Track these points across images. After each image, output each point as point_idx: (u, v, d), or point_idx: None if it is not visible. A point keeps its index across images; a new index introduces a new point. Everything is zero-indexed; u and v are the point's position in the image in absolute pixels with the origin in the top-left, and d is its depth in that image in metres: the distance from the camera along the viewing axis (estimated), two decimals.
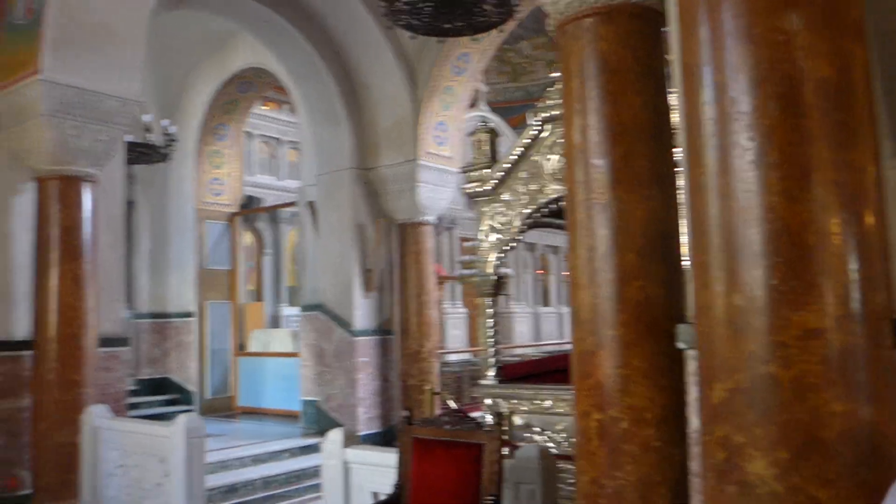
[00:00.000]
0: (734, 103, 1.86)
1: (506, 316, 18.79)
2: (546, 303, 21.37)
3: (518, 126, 20.39)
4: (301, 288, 10.00)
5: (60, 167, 6.03)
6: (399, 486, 3.37)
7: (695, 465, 2.84)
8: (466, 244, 15.24)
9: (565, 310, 21.59)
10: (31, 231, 6.25)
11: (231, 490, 7.27)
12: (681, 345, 2.76)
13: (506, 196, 5.03)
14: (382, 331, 9.40)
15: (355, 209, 9.25)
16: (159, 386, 10.91)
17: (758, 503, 1.86)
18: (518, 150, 4.91)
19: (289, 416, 10.40)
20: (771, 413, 1.81)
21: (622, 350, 3.10)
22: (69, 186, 6.08)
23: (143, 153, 9.04)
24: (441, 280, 12.20)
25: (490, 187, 5.07)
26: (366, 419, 9.05)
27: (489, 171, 5.10)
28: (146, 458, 5.27)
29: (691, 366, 2.81)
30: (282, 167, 15.47)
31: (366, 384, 9.13)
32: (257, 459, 8.24)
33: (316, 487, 7.95)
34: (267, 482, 7.75)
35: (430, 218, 9.59)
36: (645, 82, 3.17)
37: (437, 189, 9.50)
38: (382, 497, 3.94)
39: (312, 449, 8.79)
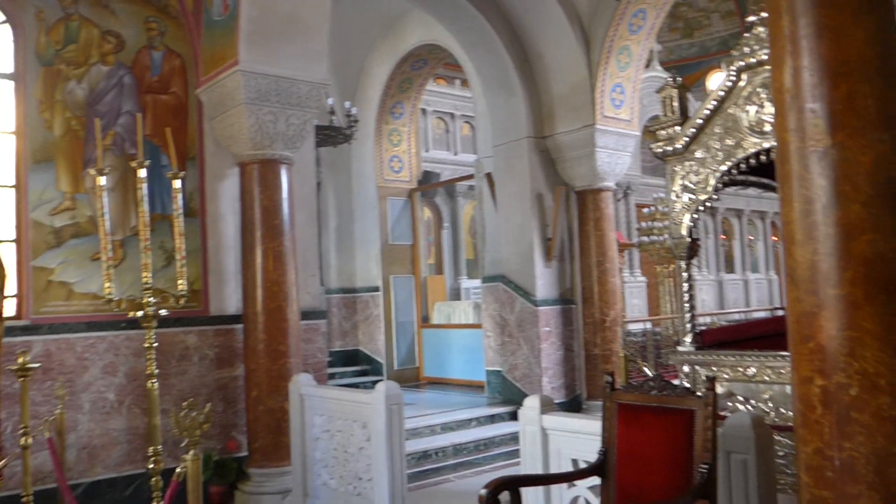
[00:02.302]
0: None
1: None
2: (730, 269, 20.32)
3: (693, 85, 19.38)
4: (480, 260, 10.10)
5: (259, 151, 6.43)
6: (604, 453, 3.31)
7: None
8: (644, 210, 14.75)
9: (752, 276, 20.46)
10: (236, 213, 6.74)
11: (424, 456, 7.52)
12: None
13: (699, 153, 4.77)
14: (564, 300, 9.32)
15: (533, 178, 9.19)
16: (350, 357, 11.49)
17: None
18: (712, 104, 4.63)
19: (473, 386, 10.60)
20: None
21: (849, 310, 2.84)
22: (268, 169, 6.48)
23: (329, 135, 9.47)
24: (621, 247, 11.90)
25: (681, 145, 4.83)
26: (550, 389, 9.03)
27: (680, 128, 4.85)
28: (349, 424, 5.54)
29: None
30: (456, 141, 15.70)
31: (549, 354, 9.11)
32: (447, 427, 8.47)
33: (503, 455, 8.07)
34: (457, 449, 7.94)
35: (610, 183, 9.36)
36: (868, 14, 2.86)
37: (615, 154, 9.24)
38: (582, 464, 3.89)
39: (499, 418, 8.93)
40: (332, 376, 10.47)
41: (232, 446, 6.48)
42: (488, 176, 9.75)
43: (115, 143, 6.36)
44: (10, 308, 5.74)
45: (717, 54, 20.34)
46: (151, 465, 5.60)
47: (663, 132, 4.98)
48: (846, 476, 2.87)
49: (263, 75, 6.36)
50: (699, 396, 3.05)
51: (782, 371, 4.39)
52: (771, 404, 4.62)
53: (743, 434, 3.23)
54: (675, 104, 4.97)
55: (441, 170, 14.83)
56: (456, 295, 15.34)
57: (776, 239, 21.66)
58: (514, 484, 3.01)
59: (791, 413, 4.26)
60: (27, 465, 4.03)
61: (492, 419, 8.89)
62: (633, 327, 13.27)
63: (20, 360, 3.97)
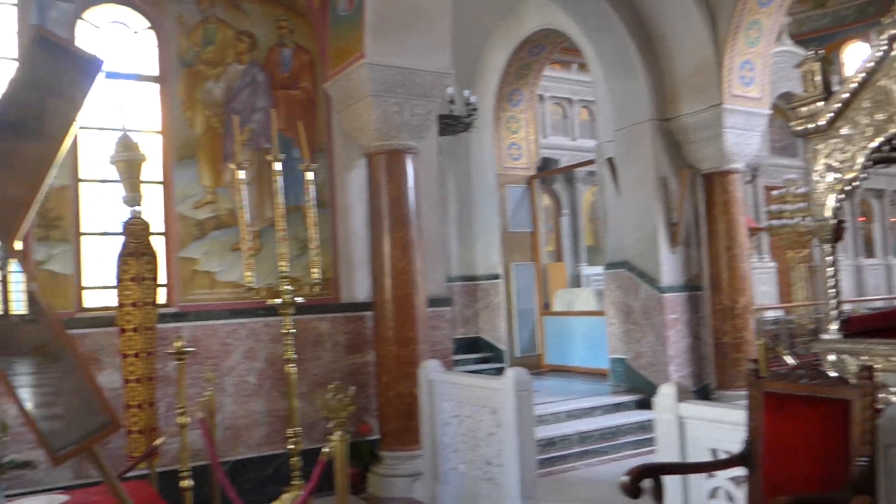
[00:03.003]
0: None
1: (822, 269, 17.13)
2: (869, 254, 19.07)
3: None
4: (602, 246, 9.96)
5: (386, 142, 6.58)
6: (749, 442, 3.20)
7: None
8: (773, 193, 14.09)
9: (895, 261, 19.18)
10: (364, 203, 6.92)
11: (549, 444, 7.49)
12: None
13: (845, 130, 4.51)
14: (691, 286, 9.06)
15: (657, 162, 8.96)
16: (471, 345, 11.58)
17: None
18: (860, 77, 4.36)
19: (596, 374, 10.48)
20: None
21: None
22: (394, 159, 6.62)
23: (448, 124, 9.56)
24: (751, 232, 11.43)
25: (825, 122, 4.58)
26: (677, 377, 8.80)
27: (823, 104, 4.60)
28: (478, 410, 5.60)
29: None
30: (574, 127, 15.48)
31: (676, 342, 8.88)
32: (571, 415, 8.42)
33: (630, 445, 7.95)
34: (583, 437, 7.89)
35: (738, 165, 9.01)
36: None
37: (744, 134, 8.87)
38: (722, 454, 3.78)
39: (624, 406, 8.80)
40: (455, 363, 10.61)
41: (364, 429, 6.68)
42: (610, 161, 9.58)
43: (250, 139, 6.65)
44: (161, 296, 6.12)
45: (854, 24, 19.08)
46: (292, 446, 5.88)
47: (804, 109, 4.73)
48: None
49: (388, 67, 6.49)
50: (855, 386, 2.89)
51: None
52: None
53: None
54: (817, 79, 4.71)
55: (559, 156, 14.66)
56: (576, 282, 15.18)
57: None
58: (657, 471, 2.96)
59: None
60: (185, 442, 4.30)
61: (617, 408, 8.77)
62: (765, 315, 12.72)
63: (177, 344, 4.24)
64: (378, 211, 6.65)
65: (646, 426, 8.23)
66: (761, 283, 15.82)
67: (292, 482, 5.86)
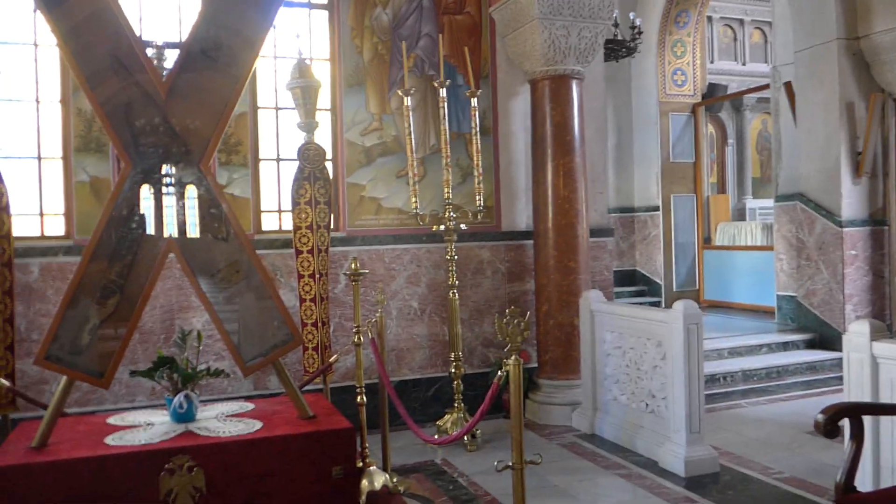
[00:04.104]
0: None
1: None
2: None
3: None
4: (773, 178, 9.35)
5: (551, 67, 6.39)
6: None
7: None
8: None
9: None
10: (526, 130, 6.82)
11: (711, 380, 7.28)
12: None
13: None
14: (875, 221, 8.37)
15: (842, 85, 8.21)
16: (627, 277, 11.35)
17: None
18: None
19: (758, 311, 10.04)
20: None
21: None
22: (559, 85, 6.43)
23: (612, 49, 9.17)
24: None
25: None
26: (854, 318, 8.23)
27: None
28: (642, 342, 5.48)
29: None
30: (745, 50, 14.46)
31: (854, 280, 8.28)
32: (734, 352, 8.14)
33: (799, 385, 7.62)
34: (746, 375, 7.63)
35: None
36: None
37: None
38: None
39: (792, 346, 8.41)
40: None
41: (523, 357, 6.73)
42: (787, 85, 8.89)
43: (415, 65, 6.67)
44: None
45: None
46: (453, 370, 6.03)
47: None
48: None
49: None
50: None
51: None
52: None
53: None
54: None
55: (727, 82, 13.79)
56: (740, 215, 14.45)
57: None
58: (857, 411, 2.77)
59: None
60: (360, 359, 4.49)
61: (785, 346, 8.38)
62: None
63: (353, 266, 4.39)
64: (541, 138, 6.52)
65: (816, 367, 7.86)
66: None
67: (454, 404, 6.05)
